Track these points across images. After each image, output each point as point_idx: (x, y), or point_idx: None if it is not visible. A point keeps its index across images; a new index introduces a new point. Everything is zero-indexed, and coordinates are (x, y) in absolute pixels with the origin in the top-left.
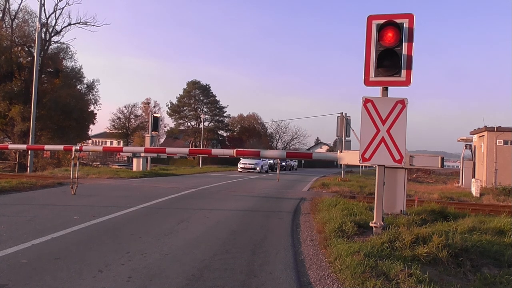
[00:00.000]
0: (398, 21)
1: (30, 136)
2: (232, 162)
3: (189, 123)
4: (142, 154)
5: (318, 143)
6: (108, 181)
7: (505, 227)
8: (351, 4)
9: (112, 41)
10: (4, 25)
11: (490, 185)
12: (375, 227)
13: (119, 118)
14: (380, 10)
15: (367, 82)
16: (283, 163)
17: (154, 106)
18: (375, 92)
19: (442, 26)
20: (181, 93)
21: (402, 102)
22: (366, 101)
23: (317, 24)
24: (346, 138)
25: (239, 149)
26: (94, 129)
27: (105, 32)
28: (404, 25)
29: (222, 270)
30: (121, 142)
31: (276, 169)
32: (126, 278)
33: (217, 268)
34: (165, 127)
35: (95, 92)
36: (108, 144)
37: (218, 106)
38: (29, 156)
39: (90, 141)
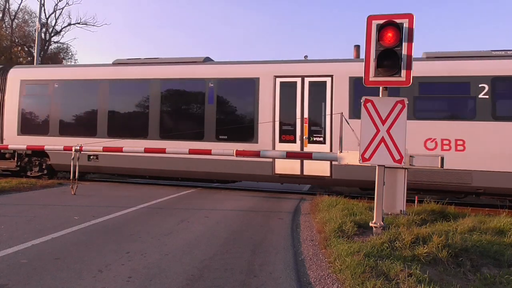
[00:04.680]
0: (398, 21)
1: None
2: None
3: None
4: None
5: None
6: (108, 181)
7: (505, 227)
8: (351, 4)
9: (112, 41)
10: (4, 25)
11: None
12: (375, 227)
13: None
14: (379, 10)
15: (367, 82)
16: None
17: None
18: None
19: (442, 26)
20: None
21: (402, 102)
22: (366, 101)
23: (317, 24)
24: None
25: (239, 150)
26: None
27: (106, 32)
28: (404, 25)
29: (222, 270)
30: None
31: None
32: (126, 278)
33: (217, 268)
34: None
35: None
36: None
37: None
38: None
39: None
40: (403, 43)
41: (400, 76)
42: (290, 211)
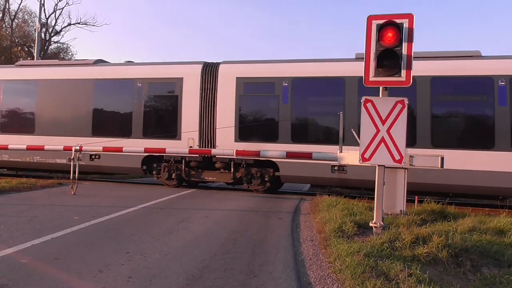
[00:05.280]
0: (398, 21)
1: None
2: None
3: None
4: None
5: None
6: (108, 181)
7: (505, 227)
8: (351, 4)
9: (112, 41)
10: (4, 25)
11: None
12: (375, 227)
13: None
14: (379, 11)
15: (367, 82)
16: None
17: None
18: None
19: (442, 26)
20: None
21: (402, 102)
22: (366, 101)
23: (317, 24)
24: None
25: (238, 150)
26: None
27: (106, 32)
28: (404, 25)
29: (222, 270)
30: None
31: None
32: (126, 278)
33: (217, 268)
34: None
35: None
36: None
37: None
38: None
39: None
40: (403, 43)
41: (400, 76)
42: (290, 211)
